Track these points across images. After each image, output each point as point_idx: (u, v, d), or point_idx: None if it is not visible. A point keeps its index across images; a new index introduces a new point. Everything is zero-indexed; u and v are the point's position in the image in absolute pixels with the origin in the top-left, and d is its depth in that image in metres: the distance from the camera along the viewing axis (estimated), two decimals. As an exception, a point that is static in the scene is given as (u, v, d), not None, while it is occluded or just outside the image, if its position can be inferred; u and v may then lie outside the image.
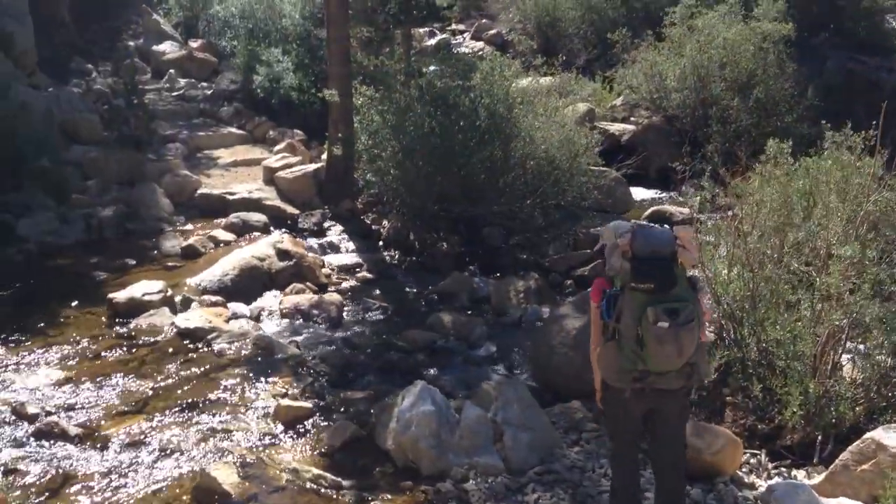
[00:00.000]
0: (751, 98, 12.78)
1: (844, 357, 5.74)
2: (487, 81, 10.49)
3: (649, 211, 11.26)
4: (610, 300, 4.02)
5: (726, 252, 6.32)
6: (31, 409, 6.09)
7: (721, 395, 6.03)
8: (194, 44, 19.01)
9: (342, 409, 6.38)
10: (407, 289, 9.38)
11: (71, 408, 6.29)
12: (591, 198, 10.48)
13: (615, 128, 14.02)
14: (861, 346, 5.76)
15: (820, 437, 5.51)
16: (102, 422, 6.10)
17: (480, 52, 16.57)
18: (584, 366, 5.94)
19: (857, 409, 5.51)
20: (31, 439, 5.80)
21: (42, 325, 7.93)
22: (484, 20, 21.24)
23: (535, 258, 9.93)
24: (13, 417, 6.05)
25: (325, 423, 6.14)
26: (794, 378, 5.47)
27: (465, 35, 20.76)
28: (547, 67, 12.70)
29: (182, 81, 17.42)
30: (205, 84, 17.53)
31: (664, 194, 12.58)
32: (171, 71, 17.62)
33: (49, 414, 6.09)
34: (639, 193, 12.46)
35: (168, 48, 18.75)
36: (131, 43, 19.57)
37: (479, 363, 7.44)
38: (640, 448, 4.58)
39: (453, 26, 18.35)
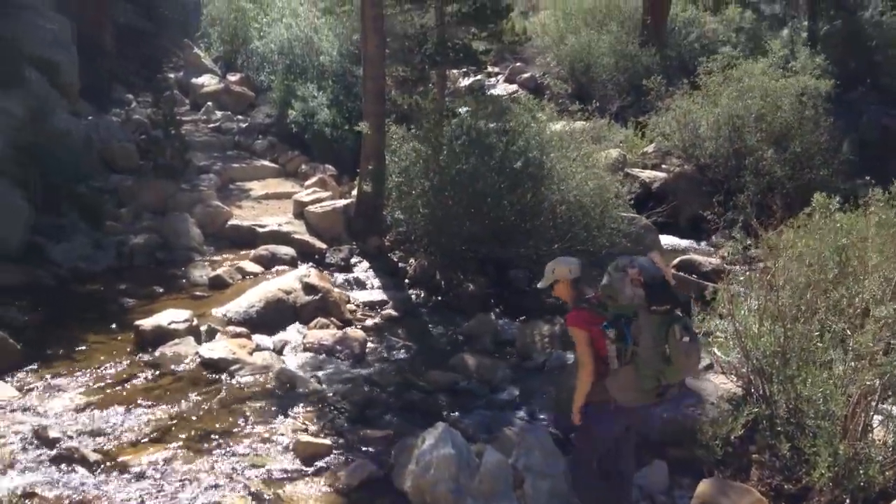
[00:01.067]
0: (787, 150, 12.70)
1: (876, 419, 5.59)
2: (521, 124, 10.53)
3: (678, 260, 11.15)
4: (625, 327, 4.43)
5: (757, 305, 6.21)
6: (53, 434, 6.10)
7: (748, 452, 5.89)
8: (232, 77, 19.36)
9: (361, 448, 6.33)
10: (431, 328, 9.34)
11: (92, 433, 6.28)
12: (619, 244, 10.40)
13: (646, 175, 13.99)
14: (893, 409, 5.61)
15: (848, 501, 5.35)
16: (122, 449, 6.09)
17: (514, 95, 16.66)
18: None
19: (888, 473, 5.34)
20: (51, 464, 5.80)
21: (69, 349, 7.99)
22: (518, 63, 21.43)
23: (561, 303, 9.83)
24: (35, 441, 6.06)
25: (344, 461, 6.09)
26: (823, 438, 5.33)
27: (498, 77, 20.94)
28: (580, 112, 12.74)
29: (219, 114, 17.72)
30: (241, 117, 17.82)
31: (694, 244, 12.48)
32: (209, 103, 17.94)
33: (70, 439, 6.10)
34: (668, 241, 12.37)
35: (206, 81, 19.12)
36: (171, 75, 19.99)
37: (502, 407, 7.35)
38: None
39: (488, 68, 18.48)
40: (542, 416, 7.17)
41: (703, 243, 12.52)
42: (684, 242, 12.63)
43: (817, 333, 5.89)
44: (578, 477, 5.11)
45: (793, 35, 18.50)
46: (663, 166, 14.60)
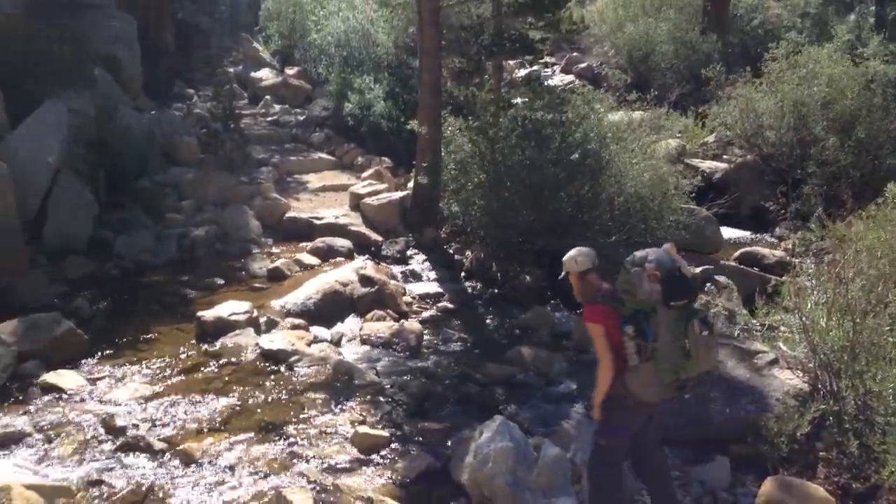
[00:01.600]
0: (851, 137, 12.29)
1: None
2: (579, 115, 10.41)
3: (739, 252, 10.94)
4: (644, 323, 4.41)
5: (825, 299, 6.03)
6: (119, 422, 6.25)
7: (814, 449, 5.73)
8: (290, 71, 19.59)
9: (419, 440, 6.34)
10: (487, 321, 9.31)
11: (157, 423, 6.43)
12: (679, 237, 10.21)
13: (707, 165, 13.71)
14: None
15: (920, 500, 5.18)
16: (186, 438, 6.21)
17: (571, 85, 16.49)
18: (669, 411, 5.80)
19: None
20: (118, 452, 5.94)
21: (133, 339, 8.19)
22: (575, 53, 21.22)
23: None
24: (102, 429, 6.22)
25: (402, 453, 6.11)
26: (893, 435, 5.16)
27: (555, 67, 20.77)
28: (638, 102, 12.54)
29: (276, 107, 17.95)
30: (298, 110, 18.03)
31: (756, 235, 12.19)
32: (267, 97, 18.18)
33: (136, 428, 6.25)
34: (729, 233, 12.10)
35: (265, 75, 19.38)
36: (231, 69, 20.31)
37: (559, 400, 7.28)
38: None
39: (544, 58, 18.32)
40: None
41: (765, 235, 12.22)
42: (746, 234, 12.35)
43: (888, 328, 5.71)
44: (598, 479, 4.93)
45: (860, 20, 17.93)
46: (724, 156, 14.30)
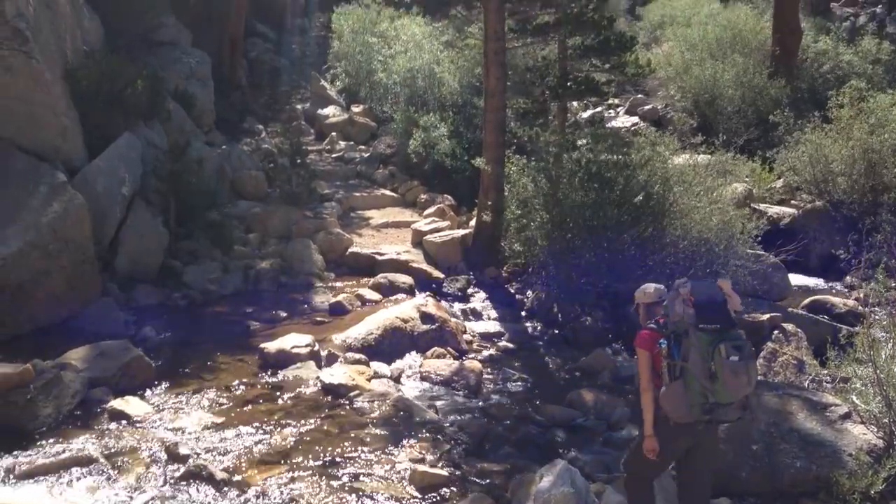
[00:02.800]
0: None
1: None
2: (643, 157, 10.36)
3: (808, 300, 10.66)
4: (676, 343, 4.59)
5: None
6: (183, 451, 6.36)
7: (889, 508, 5.51)
8: (356, 109, 19.95)
9: (478, 481, 6.29)
10: (548, 361, 9.24)
11: (218, 452, 6.51)
12: (745, 282, 10.02)
13: (774, 210, 13.45)
14: None
15: None
16: (246, 469, 6.27)
17: (635, 127, 16.42)
18: (736, 461, 5.67)
19: None
20: (181, 480, 6.02)
21: (198, 368, 8.37)
22: (639, 95, 21.15)
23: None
24: (166, 457, 6.32)
25: (460, 494, 6.06)
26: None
27: (619, 109, 20.71)
28: (704, 145, 12.42)
29: (342, 144, 18.27)
30: (363, 147, 18.31)
31: (826, 283, 11.88)
32: (333, 133, 18.53)
33: (198, 456, 6.33)
34: (797, 280, 11.81)
35: (331, 112, 19.76)
36: (298, 106, 20.78)
37: (621, 446, 7.12)
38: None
39: (609, 100, 18.30)
40: (662, 458, 6.93)
41: (836, 284, 11.90)
42: (815, 282, 12.05)
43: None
44: (632, 496, 5.12)
45: (933, 67, 17.53)
46: (792, 202, 14.02)
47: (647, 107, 20.06)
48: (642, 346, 4.80)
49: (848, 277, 11.65)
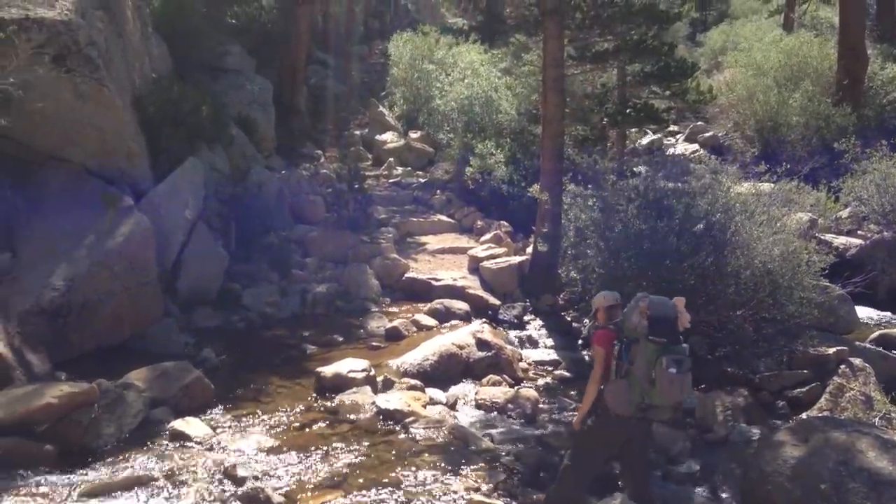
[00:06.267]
0: None
1: None
2: (703, 186, 10.19)
3: (876, 334, 10.32)
4: (626, 347, 5.26)
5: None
6: (241, 473, 6.40)
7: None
8: (413, 135, 20.13)
9: (534, 512, 6.19)
10: (605, 392, 9.07)
11: (275, 475, 6.54)
12: (810, 315, 9.74)
13: (840, 241, 13.12)
14: None
15: None
16: (303, 493, 6.28)
17: (695, 155, 16.22)
18: (803, 499, 5.48)
19: None
20: (238, 502, 6.06)
21: (256, 391, 8.45)
22: (699, 122, 20.91)
23: (744, 373, 9.31)
24: (224, 478, 6.38)
25: (516, 525, 5.98)
26: None
27: (678, 136, 20.49)
28: (767, 174, 12.19)
29: (399, 169, 18.42)
30: (420, 173, 18.45)
31: (894, 317, 11.50)
32: (391, 159, 18.72)
33: (256, 479, 6.37)
34: (865, 313, 11.46)
35: (389, 138, 19.98)
36: (357, 132, 21.06)
37: (681, 481, 6.99)
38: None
39: (669, 127, 18.15)
40: (724, 495, 6.76)
41: (906, 317, 11.53)
42: (884, 315, 11.66)
43: None
44: (566, 478, 5.64)
45: None
46: (859, 232, 13.67)
47: (707, 134, 19.82)
48: (600, 344, 5.46)
49: (918, 312, 11.28)
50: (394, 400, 8.03)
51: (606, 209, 10.40)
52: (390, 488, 6.42)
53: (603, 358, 5.43)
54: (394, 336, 10.46)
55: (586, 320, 10.70)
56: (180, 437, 7.15)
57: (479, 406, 8.41)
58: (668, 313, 5.22)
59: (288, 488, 6.34)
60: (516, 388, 8.81)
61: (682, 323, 5.28)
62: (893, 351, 9.63)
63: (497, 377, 9.00)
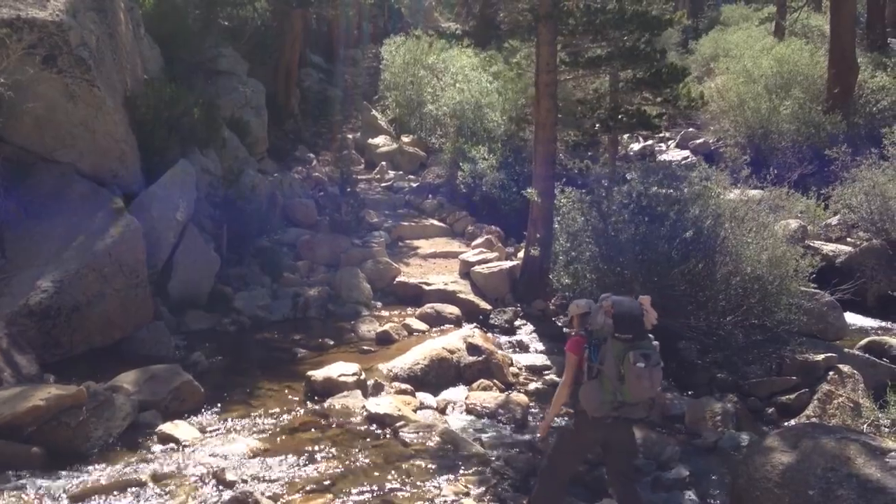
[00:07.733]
0: None
1: None
2: (694, 192, 10.23)
3: (865, 341, 10.35)
4: (595, 347, 5.31)
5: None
6: (230, 476, 6.38)
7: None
8: (406, 139, 20.15)
9: (523, 518, 6.19)
10: (595, 397, 9.07)
11: (264, 479, 6.52)
12: (799, 321, 9.78)
13: (829, 248, 13.17)
14: None
15: None
16: (292, 497, 6.26)
17: (686, 161, 16.27)
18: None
19: None
20: (227, 506, 6.05)
21: (246, 394, 8.43)
22: (690, 129, 20.99)
23: (733, 379, 9.34)
24: (213, 482, 6.36)
25: (506, 530, 5.97)
26: None
27: (670, 142, 20.57)
28: (756, 180, 12.24)
29: (391, 173, 18.44)
30: (412, 177, 18.47)
31: (884, 324, 11.55)
32: (383, 163, 18.72)
33: (245, 483, 6.35)
34: (854, 320, 11.50)
35: (382, 142, 19.99)
36: (349, 135, 21.05)
37: (669, 487, 6.99)
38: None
39: (660, 133, 18.22)
40: (714, 501, 6.77)
41: (894, 324, 11.56)
42: (873, 322, 11.71)
43: None
44: (545, 481, 5.73)
45: None
46: (849, 239, 13.73)
47: (698, 140, 19.90)
48: (572, 350, 5.52)
49: (907, 318, 11.33)
50: (384, 404, 8.02)
51: (598, 214, 10.42)
52: (379, 493, 6.41)
53: (574, 363, 5.51)
54: (385, 340, 10.45)
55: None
56: (169, 441, 7.12)
57: (469, 411, 8.39)
58: (633, 311, 5.31)
59: (277, 492, 6.31)
60: (507, 392, 8.81)
61: (648, 321, 5.38)
62: (883, 359, 9.66)
63: (488, 382, 9.00)
